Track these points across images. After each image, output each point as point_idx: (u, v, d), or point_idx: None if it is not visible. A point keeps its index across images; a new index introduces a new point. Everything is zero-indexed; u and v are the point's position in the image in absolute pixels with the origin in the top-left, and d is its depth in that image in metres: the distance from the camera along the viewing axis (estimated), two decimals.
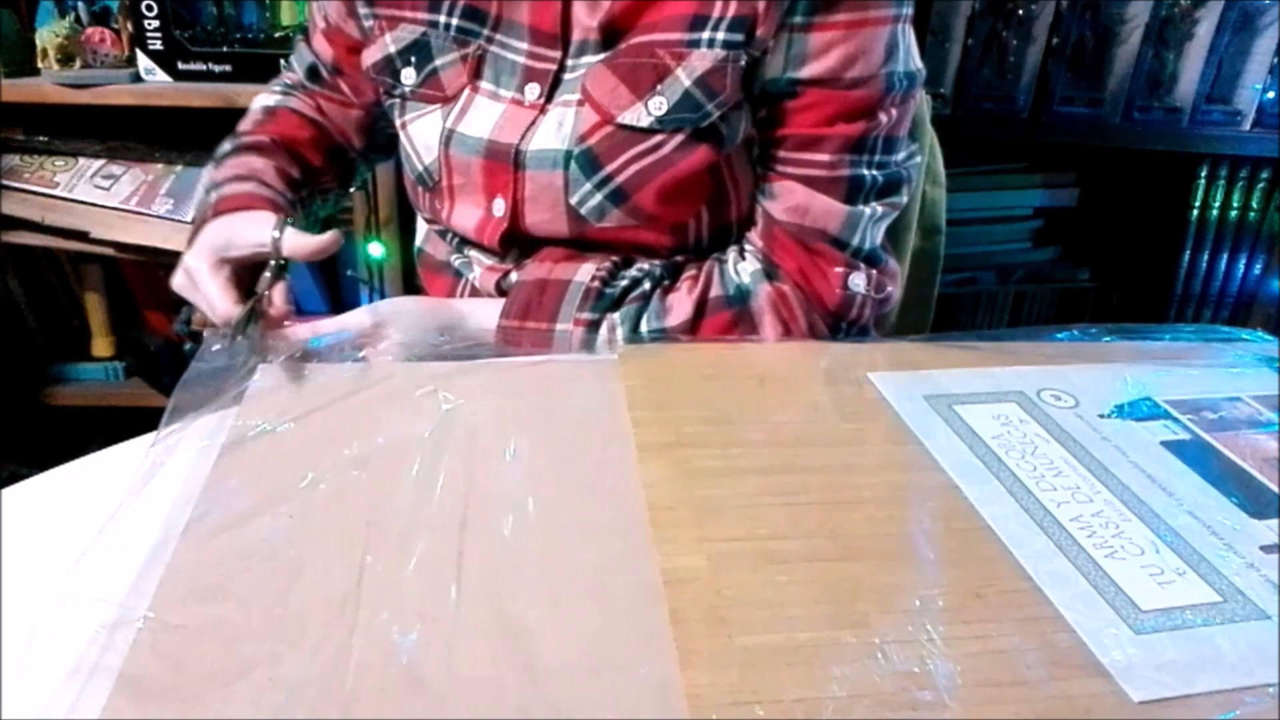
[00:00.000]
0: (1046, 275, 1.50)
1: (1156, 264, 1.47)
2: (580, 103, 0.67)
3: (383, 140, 0.86)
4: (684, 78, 0.64)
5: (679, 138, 0.65)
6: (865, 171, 0.67)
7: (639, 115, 0.65)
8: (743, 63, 0.64)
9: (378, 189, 1.31)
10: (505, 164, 0.69)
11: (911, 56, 0.67)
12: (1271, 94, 1.30)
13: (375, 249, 1.36)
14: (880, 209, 0.68)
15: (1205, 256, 1.43)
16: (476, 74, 0.70)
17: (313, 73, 0.82)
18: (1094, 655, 0.38)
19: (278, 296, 0.65)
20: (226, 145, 0.79)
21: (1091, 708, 0.36)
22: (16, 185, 1.26)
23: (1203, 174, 1.39)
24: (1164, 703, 0.37)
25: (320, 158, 0.82)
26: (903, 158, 0.69)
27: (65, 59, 1.22)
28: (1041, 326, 0.67)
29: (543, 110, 0.69)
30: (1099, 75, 1.30)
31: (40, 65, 1.22)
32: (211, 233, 0.68)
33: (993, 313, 1.50)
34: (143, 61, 1.22)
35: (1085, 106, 1.32)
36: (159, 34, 1.21)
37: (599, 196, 0.67)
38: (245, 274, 0.67)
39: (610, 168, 0.67)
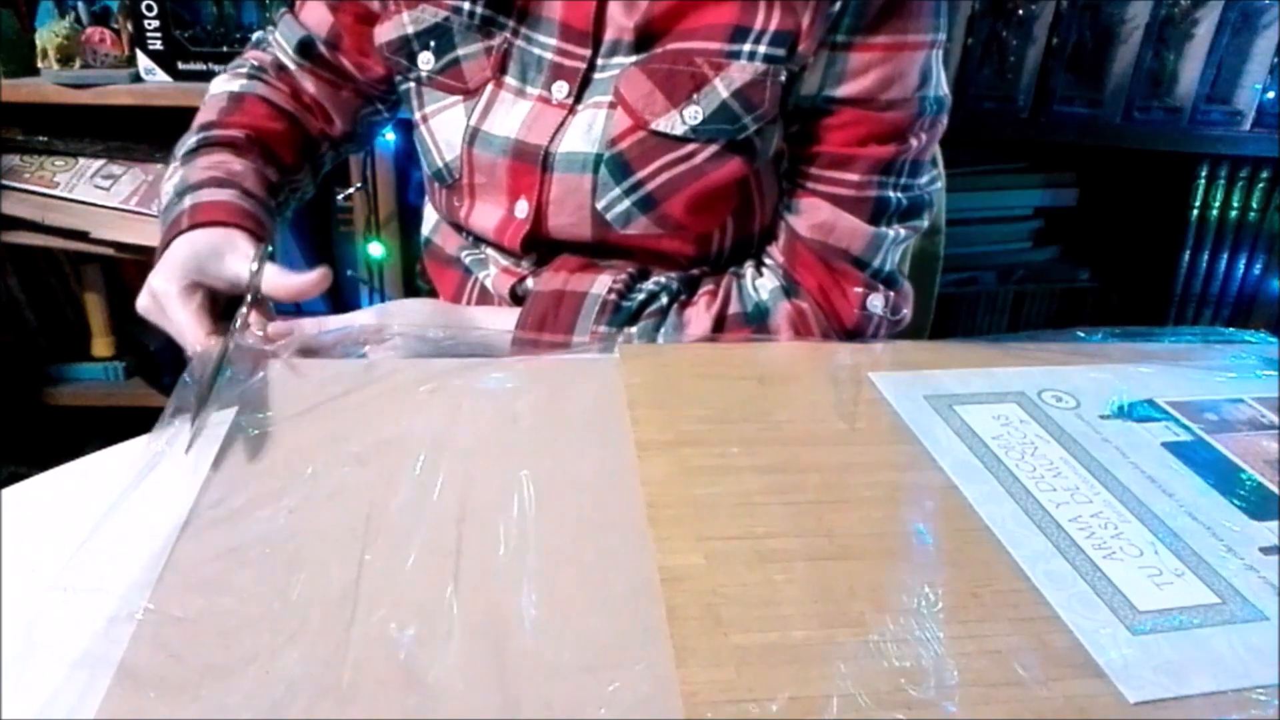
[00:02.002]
0: (1046, 275, 1.50)
1: (1156, 264, 1.47)
2: (612, 105, 0.66)
3: (363, 129, 0.82)
4: (722, 88, 0.63)
5: (712, 148, 0.65)
6: (891, 194, 0.67)
7: (673, 123, 0.64)
8: (783, 78, 0.63)
9: (378, 189, 1.31)
10: (532, 165, 0.68)
11: (942, 82, 0.67)
12: (1271, 94, 1.30)
13: (375, 249, 1.36)
14: (903, 232, 0.69)
15: (1205, 256, 1.43)
16: (501, 68, 0.69)
17: (305, 48, 0.76)
18: (1090, 655, 0.38)
19: (255, 323, 0.60)
20: (193, 140, 0.72)
21: (1087, 708, 0.36)
22: (16, 185, 1.26)
23: (1203, 174, 1.39)
24: (1160, 703, 0.37)
25: (294, 154, 0.77)
26: (925, 182, 0.70)
27: (65, 59, 1.22)
28: (1042, 330, 0.67)
29: (571, 110, 0.67)
30: (1099, 75, 1.30)
31: (40, 65, 1.22)
32: (185, 250, 0.63)
33: (993, 313, 1.50)
34: (143, 61, 1.23)
35: (1085, 106, 1.32)
36: (159, 34, 1.21)
37: (627, 202, 0.67)
38: (219, 296, 0.64)
39: (641, 174, 0.66)
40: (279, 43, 0.77)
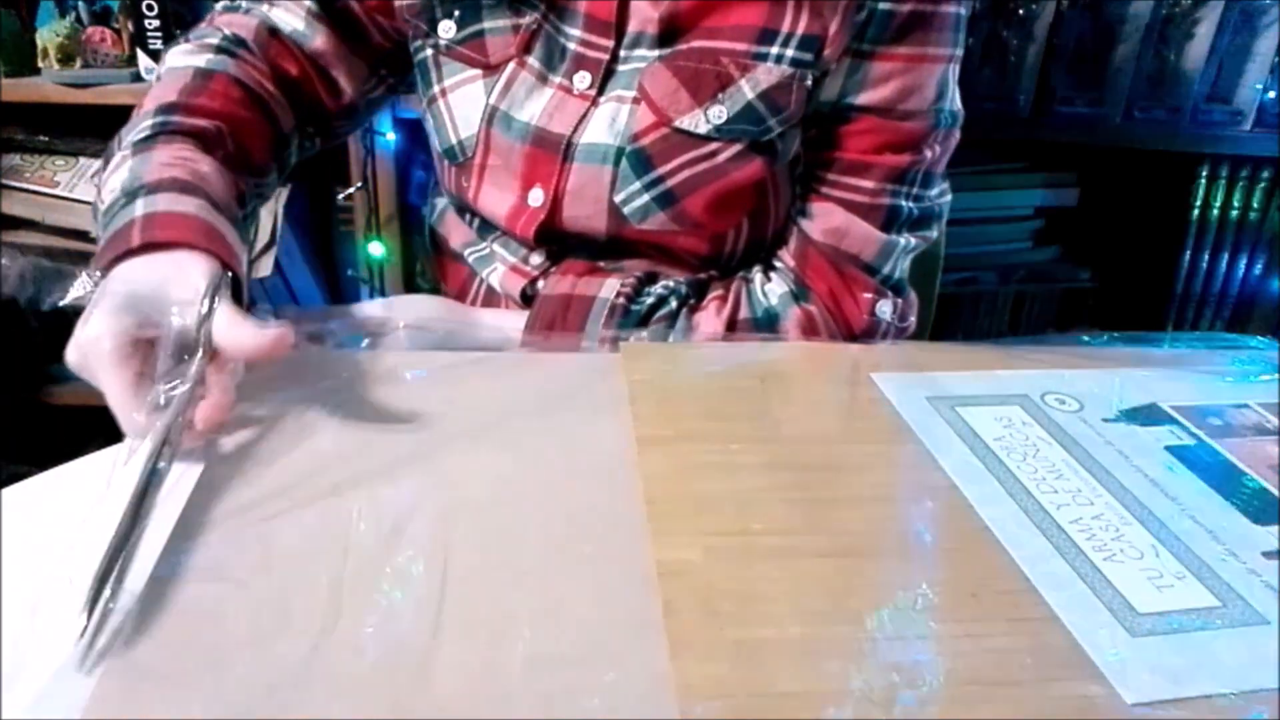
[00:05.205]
0: (1047, 275, 1.50)
1: (1157, 264, 1.47)
2: (635, 100, 0.66)
3: (363, 105, 0.75)
4: (748, 90, 0.63)
5: (735, 148, 0.65)
6: (904, 203, 0.67)
7: (697, 121, 0.64)
8: (808, 81, 0.64)
9: (378, 189, 1.31)
10: (553, 154, 0.67)
11: (956, 97, 0.68)
12: (1272, 94, 1.30)
13: (375, 249, 1.36)
14: (913, 241, 0.69)
15: (1205, 256, 1.43)
16: (526, 48, 0.67)
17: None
18: (1088, 657, 0.38)
19: (201, 416, 0.47)
20: (148, 124, 0.60)
21: (1084, 709, 0.36)
22: (17, 185, 1.26)
23: (1203, 174, 1.38)
24: (1157, 705, 0.36)
25: (265, 153, 0.67)
26: (936, 194, 0.70)
27: (66, 59, 1.22)
28: (1046, 334, 0.68)
29: (594, 102, 0.67)
30: (1099, 75, 1.30)
31: (41, 65, 1.22)
32: (124, 294, 0.49)
33: (993, 313, 1.50)
34: (143, 61, 1.22)
35: (1085, 106, 1.32)
36: (159, 34, 1.21)
37: (646, 197, 0.67)
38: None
39: (662, 170, 0.66)
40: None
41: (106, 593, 0.38)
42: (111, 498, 0.42)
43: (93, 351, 0.47)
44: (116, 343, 0.47)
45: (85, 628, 0.37)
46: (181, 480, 0.46)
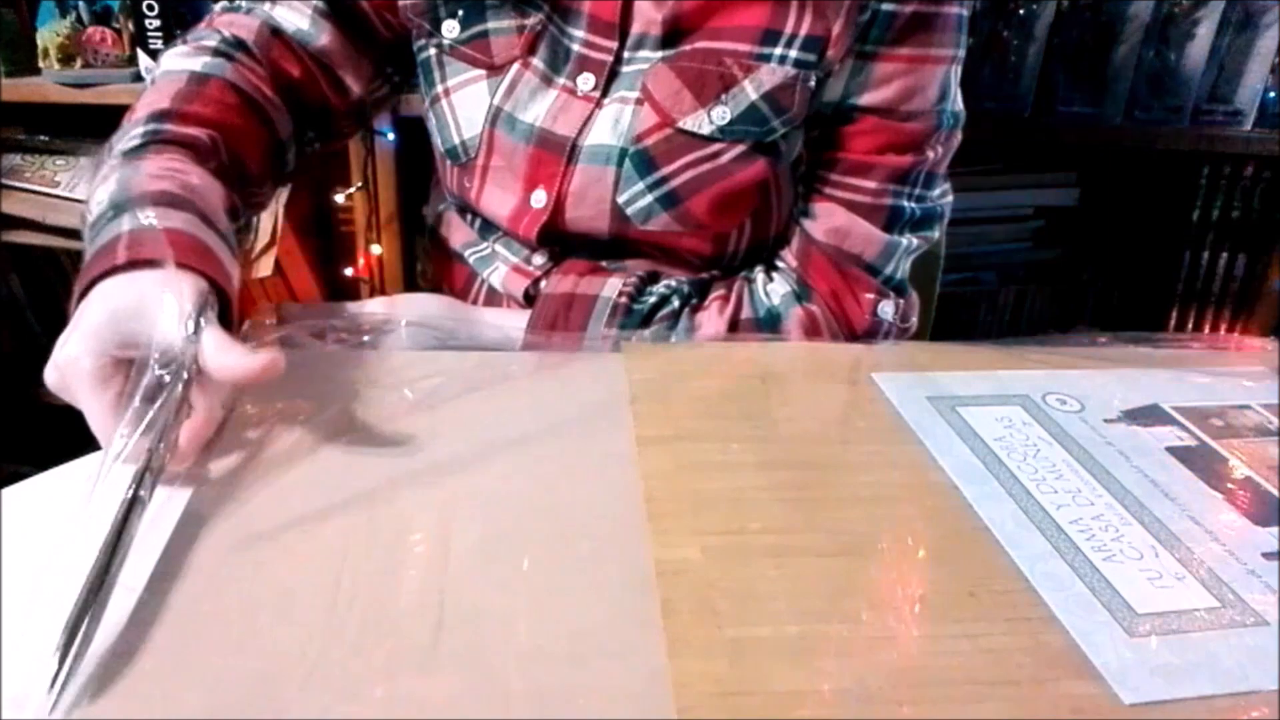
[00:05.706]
0: (1047, 275, 1.50)
1: (1157, 264, 1.47)
2: (639, 101, 0.66)
3: (370, 102, 0.73)
4: (751, 90, 0.64)
5: (739, 148, 0.65)
6: (906, 203, 0.68)
7: (700, 122, 0.64)
8: (812, 83, 0.64)
9: (378, 189, 1.31)
10: (557, 156, 0.67)
11: (959, 98, 0.68)
12: (1272, 94, 1.30)
13: (375, 248, 1.36)
14: (915, 241, 0.69)
15: (1206, 256, 1.43)
16: (531, 49, 0.67)
17: None
18: (1087, 657, 0.38)
19: (186, 438, 0.45)
20: (139, 132, 0.58)
21: (1081, 708, 0.36)
22: (17, 185, 1.26)
23: (1204, 174, 1.38)
24: (1155, 705, 0.36)
25: (260, 162, 0.64)
26: (938, 194, 0.70)
27: (66, 58, 1.22)
28: (1047, 334, 0.68)
29: (598, 104, 0.67)
30: (1099, 75, 1.30)
31: (41, 65, 1.22)
32: (103, 313, 0.46)
33: (994, 312, 1.50)
34: (143, 61, 1.22)
35: (1086, 106, 1.32)
36: (160, 34, 1.21)
37: (649, 198, 0.67)
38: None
39: (665, 170, 0.66)
40: None
41: (79, 638, 0.35)
42: (88, 527, 0.40)
43: (72, 372, 0.45)
44: (97, 363, 0.45)
45: (58, 673, 0.34)
46: (175, 491, 0.46)
